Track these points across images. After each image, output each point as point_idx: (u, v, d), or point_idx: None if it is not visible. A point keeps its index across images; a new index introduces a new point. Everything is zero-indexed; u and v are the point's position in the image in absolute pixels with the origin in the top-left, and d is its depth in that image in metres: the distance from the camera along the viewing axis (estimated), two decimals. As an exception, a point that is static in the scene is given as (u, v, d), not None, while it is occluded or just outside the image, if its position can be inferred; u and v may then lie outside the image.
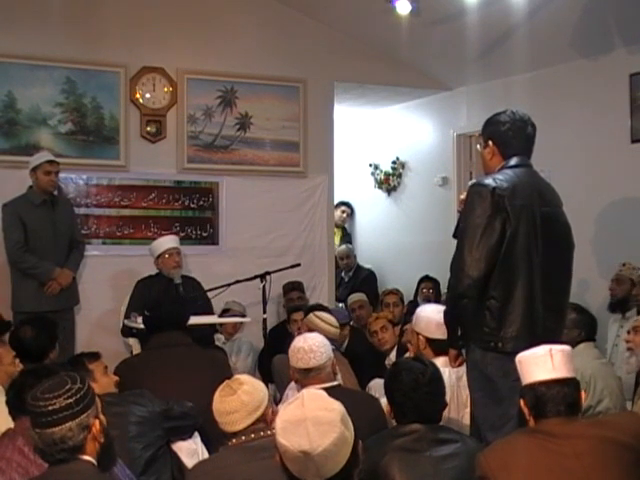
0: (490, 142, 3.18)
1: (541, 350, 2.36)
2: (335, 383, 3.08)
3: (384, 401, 2.86)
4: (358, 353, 4.69)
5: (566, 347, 2.39)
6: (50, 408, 2.05)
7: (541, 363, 2.33)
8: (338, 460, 1.81)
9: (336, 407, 1.87)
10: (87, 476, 2.09)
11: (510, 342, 2.95)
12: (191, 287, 5.16)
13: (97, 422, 2.13)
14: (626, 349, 3.92)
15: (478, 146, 3.34)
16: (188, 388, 3.33)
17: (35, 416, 2.09)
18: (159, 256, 5.10)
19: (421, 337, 3.50)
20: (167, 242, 5.19)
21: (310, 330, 3.84)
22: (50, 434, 2.06)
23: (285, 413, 1.87)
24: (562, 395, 2.28)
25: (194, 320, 4.07)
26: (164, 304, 3.97)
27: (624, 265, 5.00)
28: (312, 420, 1.82)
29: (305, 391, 1.95)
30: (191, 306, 4.09)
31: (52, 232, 5.03)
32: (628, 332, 3.83)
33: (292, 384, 3.47)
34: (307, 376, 2.99)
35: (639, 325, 3.68)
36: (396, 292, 6.07)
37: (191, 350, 3.65)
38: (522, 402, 2.35)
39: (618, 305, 4.94)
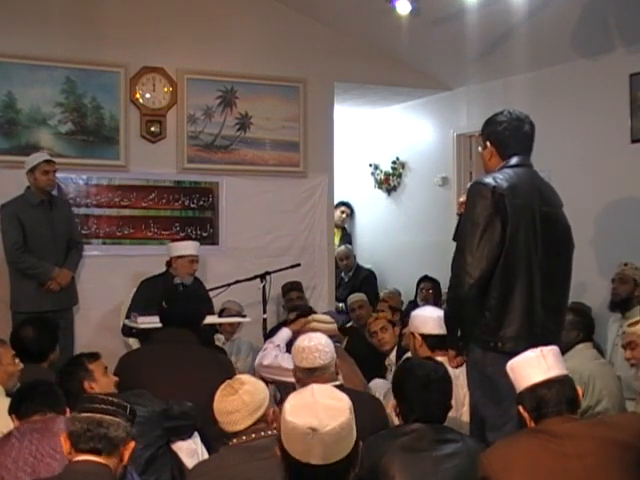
0: (488, 143, 3.18)
1: (532, 353, 2.38)
2: (337, 383, 3.07)
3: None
4: (358, 353, 4.67)
5: (554, 347, 2.41)
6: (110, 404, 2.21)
7: (535, 365, 2.35)
8: (343, 445, 1.80)
9: (344, 398, 1.88)
10: (100, 477, 2.11)
11: (509, 342, 2.95)
12: (194, 287, 5.14)
13: (132, 443, 2.24)
14: (630, 366, 3.80)
15: (480, 147, 3.34)
16: (186, 385, 3.33)
17: (90, 401, 2.22)
18: (180, 257, 5.01)
19: (417, 335, 3.52)
20: (192, 248, 5.10)
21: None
22: (99, 420, 2.16)
23: (295, 398, 1.86)
24: (562, 393, 2.30)
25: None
26: (182, 300, 3.97)
27: (626, 265, 4.95)
28: (322, 405, 1.82)
29: (314, 385, 1.94)
30: (205, 306, 4.06)
31: (50, 232, 5.03)
32: (624, 347, 3.65)
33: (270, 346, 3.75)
34: (311, 375, 2.98)
35: (632, 341, 3.51)
36: (393, 298, 6.06)
37: (192, 349, 3.63)
38: (521, 408, 2.34)
39: (620, 305, 4.88)
